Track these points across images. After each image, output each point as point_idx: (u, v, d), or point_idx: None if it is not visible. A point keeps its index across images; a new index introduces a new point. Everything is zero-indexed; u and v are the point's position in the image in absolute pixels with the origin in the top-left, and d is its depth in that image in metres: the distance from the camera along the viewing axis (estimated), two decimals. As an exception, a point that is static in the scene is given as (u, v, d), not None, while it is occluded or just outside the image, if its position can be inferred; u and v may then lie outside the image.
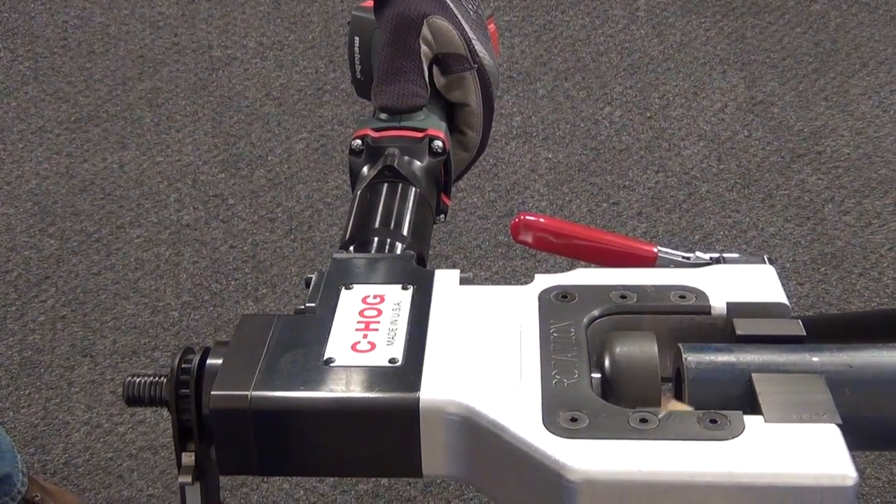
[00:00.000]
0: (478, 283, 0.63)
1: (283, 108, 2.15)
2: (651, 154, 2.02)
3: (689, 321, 0.60)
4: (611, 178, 1.96)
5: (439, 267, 1.73)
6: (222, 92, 2.19)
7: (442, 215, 0.80)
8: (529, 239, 0.67)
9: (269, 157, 2.04)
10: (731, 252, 0.65)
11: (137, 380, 0.58)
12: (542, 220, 0.67)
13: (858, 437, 0.53)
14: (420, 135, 0.77)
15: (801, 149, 2.01)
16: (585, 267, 0.64)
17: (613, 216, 1.89)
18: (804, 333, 0.58)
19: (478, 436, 0.52)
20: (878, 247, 1.82)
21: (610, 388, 0.55)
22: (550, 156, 2.02)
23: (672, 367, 0.57)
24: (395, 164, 0.74)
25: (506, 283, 0.74)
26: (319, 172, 1.99)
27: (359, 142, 0.77)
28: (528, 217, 0.66)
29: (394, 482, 1.51)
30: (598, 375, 0.56)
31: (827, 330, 0.71)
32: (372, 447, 0.54)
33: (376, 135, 0.77)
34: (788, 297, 0.59)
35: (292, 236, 1.87)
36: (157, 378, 0.58)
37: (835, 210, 1.88)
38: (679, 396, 0.56)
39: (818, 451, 0.49)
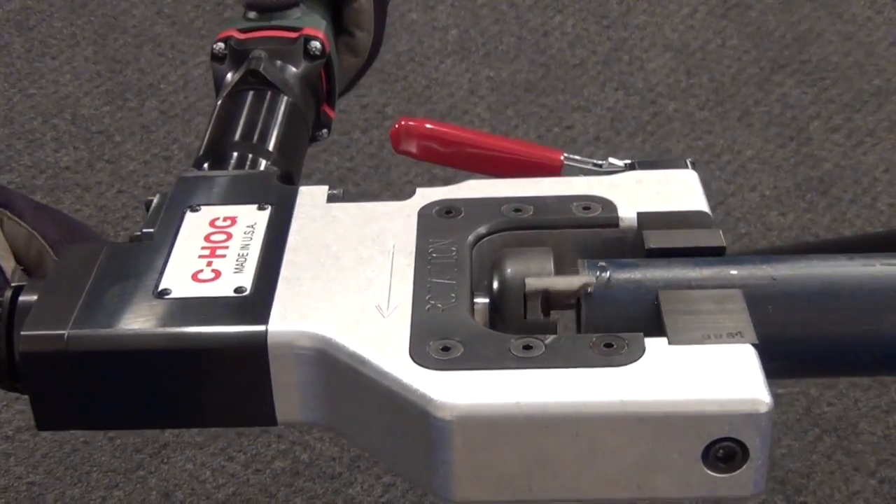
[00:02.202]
0: (352, 200, 0.63)
1: (176, 28, 2.12)
2: (609, 69, 2.01)
3: (594, 235, 0.60)
4: (563, 98, 1.96)
5: None
6: (105, 10, 2.16)
7: (325, 130, 0.80)
8: (413, 148, 0.67)
9: (162, 86, 2.02)
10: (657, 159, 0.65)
11: None
12: (427, 125, 0.67)
13: (779, 362, 0.53)
14: (294, 35, 0.76)
15: (783, 58, 2.02)
16: (483, 179, 0.64)
17: (567, 141, 1.89)
18: (723, 244, 0.58)
19: (336, 373, 0.52)
20: (871, 168, 1.83)
21: (498, 315, 0.55)
22: (493, 74, 2.02)
23: (573, 289, 0.57)
24: (261, 69, 0.74)
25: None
26: (221, 101, 1.97)
27: (221, 45, 0.77)
28: (410, 122, 0.66)
29: (314, 457, 1.51)
30: (486, 300, 0.56)
31: None
32: (215, 391, 0.54)
33: (242, 36, 0.77)
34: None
35: (190, 177, 1.86)
36: None
37: (822, 128, 1.89)
38: (579, 322, 0.56)
39: (727, 374, 0.50)
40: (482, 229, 0.59)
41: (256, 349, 0.52)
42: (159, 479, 1.50)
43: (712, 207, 0.60)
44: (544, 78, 2.00)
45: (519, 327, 0.55)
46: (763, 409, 0.48)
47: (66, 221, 0.66)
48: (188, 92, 2.01)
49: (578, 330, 0.55)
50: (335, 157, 1.88)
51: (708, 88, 1.97)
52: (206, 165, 0.69)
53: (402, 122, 0.67)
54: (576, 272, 0.56)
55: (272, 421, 0.54)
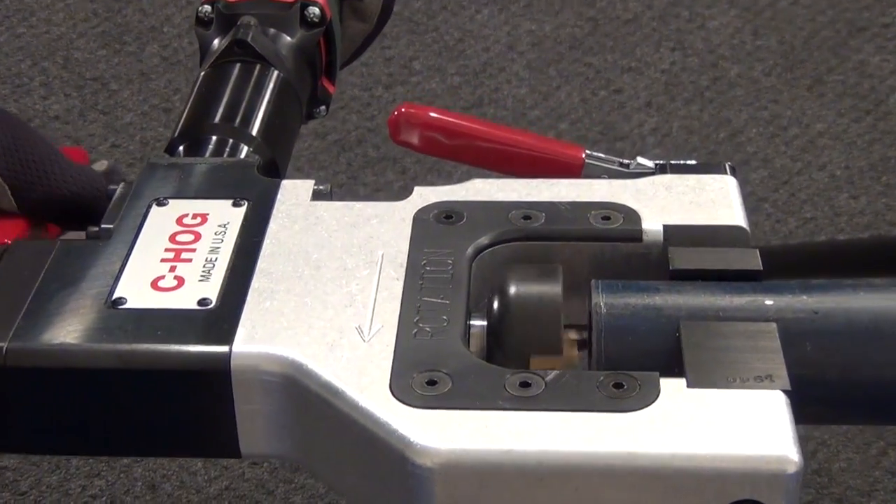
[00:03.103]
0: (341, 199, 0.62)
1: (184, -37, 2.11)
2: (666, 26, 1.99)
3: (613, 250, 0.59)
4: (612, 57, 1.94)
5: (377, 184, 1.76)
6: (105, -59, 2.16)
7: (322, 107, 0.79)
8: (414, 139, 0.66)
9: (165, 29, 2.02)
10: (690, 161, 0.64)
11: None
12: (431, 113, 0.66)
13: (814, 407, 0.53)
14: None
15: (862, 20, 1.99)
16: (489, 178, 0.63)
17: (614, 108, 1.87)
18: (760, 268, 0.57)
19: (306, 404, 0.52)
20: (957, 149, 1.80)
21: (496, 342, 0.55)
22: (534, 28, 1.99)
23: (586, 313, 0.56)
24: (249, 39, 0.73)
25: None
26: (230, 48, 1.97)
27: (208, 8, 0.76)
28: (411, 110, 0.65)
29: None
30: (483, 324, 0.55)
31: (790, 265, 0.70)
32: (170, 418, 0.54)
33: None
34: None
35: (192, 132, 1.85)
36: None
37: (904, 101, 1.87)
38: (590, 353, 0.55)
39: (752, 425, 0.49)
40: (485, 239, 0.59)
41: (218, 373, 0.52)
42: (145, 469, 1.51)
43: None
44: (592, 34, 1.98)
45: (520, 357, 0.54)
46: (791, 468, 0.47)
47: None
48: (192, 37, 1.99)
49: (589, 362, 0.54)
50: (354, 116, 1.87)
51: (776, 52, 1.94)
52: (180, 150, 0.69)
53: (403, 109, 0.66)
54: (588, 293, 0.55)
55: (235, 452, 0.54)
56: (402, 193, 0.62)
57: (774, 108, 1.86)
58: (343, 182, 1.69)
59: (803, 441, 0.48)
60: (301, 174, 1.70)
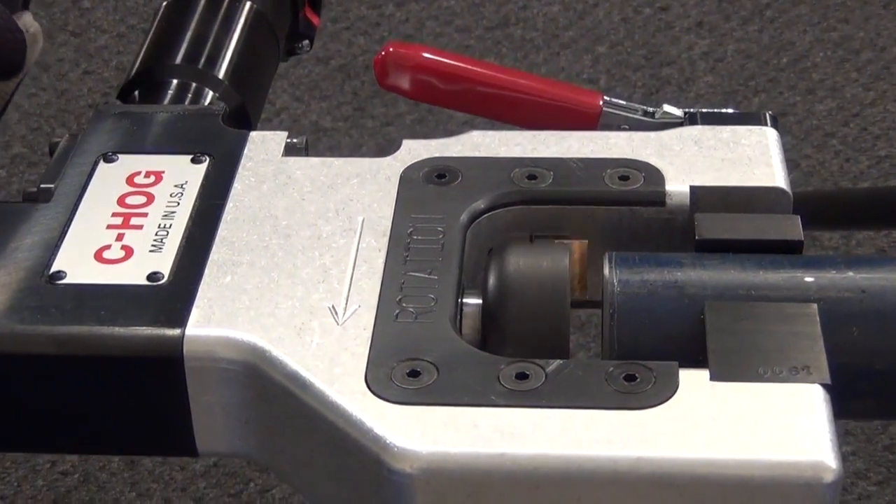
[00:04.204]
0: (318, 154, 0.62)
1: None
2: (721, -68, 1.96)
3: (632, 216, 0.59)
4: (658, -31, 1.92)
5: (387, 117, 1.75)
6: None
7: (305, 42, 0.79)
8: (405, 84, 0.66)
9: (145, -64, 2.00)
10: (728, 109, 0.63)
11: None
12: (424, 53, 0.66)
13: (861, 401, 0.52)
14: None
15: (950, -75, 1.95)
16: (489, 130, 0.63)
17: (660, 28, 1.85)
18: (801, 238, 0.56)
19: (270, 396, 0.52)
20: None
21: (493, 325, 0.54)
22: (569, -66, 1.97)
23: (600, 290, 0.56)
24: (218, -37, 0.72)
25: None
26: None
27: None
28: (400, 49, 0.65)
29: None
30: (477, 302, 0.55)
31: (825, 214, 0.70)
32: (116, 411, 0.53)
33: None
34: None
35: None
36: None
37: None
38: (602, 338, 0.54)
39: (785, 426, 0.48)
40: (481, 203, 0.58)
41: (169, 359, 0.52)
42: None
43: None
44: (635, -58, 1.95)
45: (520, 344, 0.53)
46: (828, 477, 0.47)
47: None
48: (177, -54, 1.99)
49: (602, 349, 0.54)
50: (361, 38, 1.86)
51: (848, -37, 1.91)
52: (135, 95, 0.68)
53: (391, 49, 0.65)
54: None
55: (191, 450, 0.54)
56: (390, 149, 0.61)
57: (844, 29, 1.84)
58: (349, 115, 1.68)
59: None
60: (301, 105, 1.69)
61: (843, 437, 1.35)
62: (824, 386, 0.49)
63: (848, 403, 0.51)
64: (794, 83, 1.76)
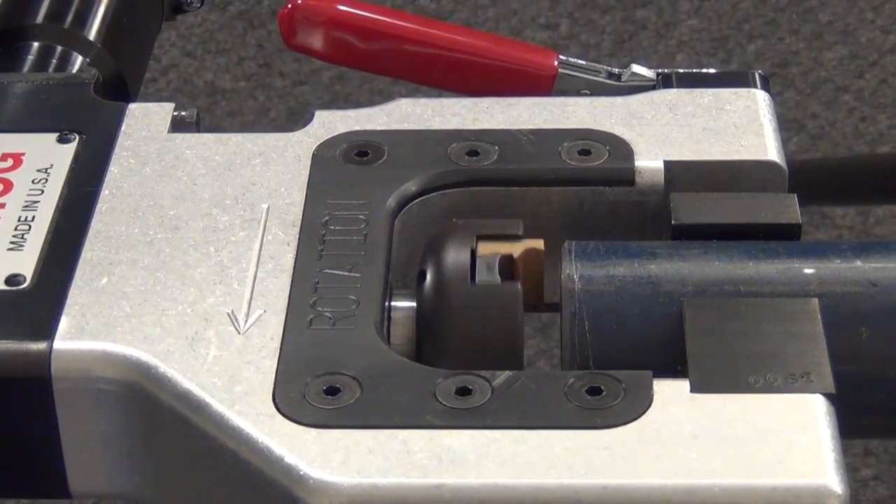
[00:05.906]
0: (214, 124, 0.62)
1: None
2: None
3: (595, 198, 0.60)
4: None
5: (300, 75, 1.73)
6: None
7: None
8: (316, 43, 0.66)
9: None
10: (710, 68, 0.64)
11: None
12: (340, 6, 0.66)
13: (868, 417, 0.54)
14: None
15: None
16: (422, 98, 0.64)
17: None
18: (798, 221, 0.57)
19: (157, 421, 0.52)
20: None
21: (427, 334, 0.55)
22: None
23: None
24: None
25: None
26: None
27: None
28: (310, 1, 0.65)
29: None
30: (410, 305, 0.56)
31: (835, 186, 0.71)
32: None
33: None
34: None
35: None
36: None
37: None
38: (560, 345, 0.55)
39: (781, 445, 0.49)
40: (412, 185, 0.59)
41: (33, 379, 0.52)
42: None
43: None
44: None
45: (460, 353, 0.54)
46: (832, 501, 0.47)
47: None
48: None
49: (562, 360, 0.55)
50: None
51: None
52: None
53: (298, 1, 0.66)
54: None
55: (62, 491, 0.54)
56: (301, 120, 0.62)
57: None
58: (252, 72, 1.68)
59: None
60: (193, 61, 1.68)
61: (863, 459, 1.36)
62: (827, 396, 0.50)
63: (859, 419, 0.52)
64: (797, 26, 1.78)
